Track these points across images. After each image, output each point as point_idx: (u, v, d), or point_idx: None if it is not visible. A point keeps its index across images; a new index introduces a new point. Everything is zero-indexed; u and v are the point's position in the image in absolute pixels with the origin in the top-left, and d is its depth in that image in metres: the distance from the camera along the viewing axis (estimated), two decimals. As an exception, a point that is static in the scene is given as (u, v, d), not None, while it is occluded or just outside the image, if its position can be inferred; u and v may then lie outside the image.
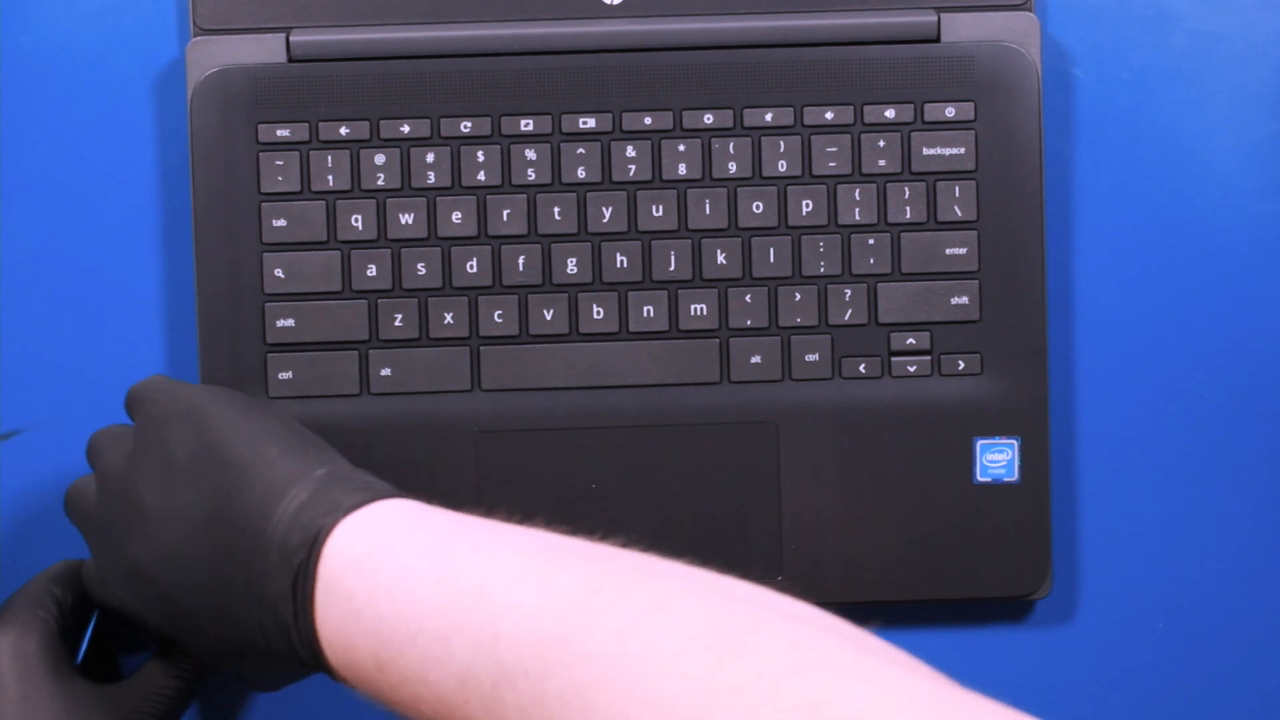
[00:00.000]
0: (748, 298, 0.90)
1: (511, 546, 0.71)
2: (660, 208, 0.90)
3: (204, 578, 0.76)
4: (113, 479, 0.80)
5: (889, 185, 0.90)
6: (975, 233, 0.90)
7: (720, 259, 0.90)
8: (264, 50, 0.90)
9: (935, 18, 0.90)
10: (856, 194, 0.90)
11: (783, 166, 0.90)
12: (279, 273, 0.89)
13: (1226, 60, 0.92)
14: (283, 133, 0.89)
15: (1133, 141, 0.92)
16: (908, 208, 0.90)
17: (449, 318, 0.90)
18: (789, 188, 0.90)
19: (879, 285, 0.90)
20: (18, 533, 0.91)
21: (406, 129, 0.89)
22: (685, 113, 0.90)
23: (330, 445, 0.81)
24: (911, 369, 0.90)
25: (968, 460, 0.90)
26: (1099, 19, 0.92)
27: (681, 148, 0.90)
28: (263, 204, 0.89)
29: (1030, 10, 0.90)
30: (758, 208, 0.90)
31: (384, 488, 0.77)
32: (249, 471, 0.76)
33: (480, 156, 0.90)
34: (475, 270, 0.90)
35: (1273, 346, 0.92)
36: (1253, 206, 0.92)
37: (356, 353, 0.90)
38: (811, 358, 0.90)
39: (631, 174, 0.90)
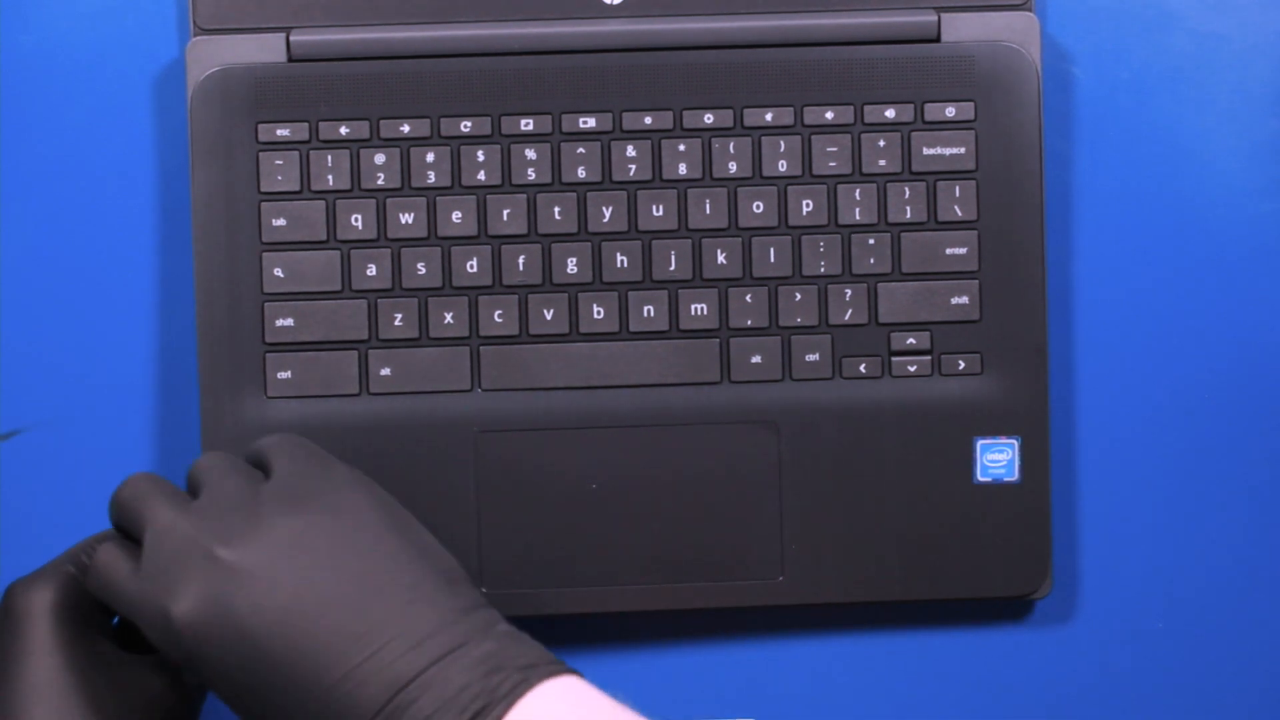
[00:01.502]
0: (748, 298, 0.90)
1: None
2: (660, 207, 0.90)
3: (317, 661, 0.74)
4: (226, 500, 0.77)
5: (889, 185, 0.90)
6: (975, 233, 0.90)
7: (720, 259, 0.90)
8: (264, 50, 0.90)
9: (935, 18, 0.90)
10: (856, 194, 0.90)
11: (783, 166, 0.90)
12: (278, 272, 0.89)
13: (1226, 60, 0.92)
14: (283, 132, 0.89)
15: (1133, 141, 0.92)
16: (908, 208, 0.90)
17: (449, 317, 0.90)
18: (789, 188, 0.90)
19: (879, 285, 0.90)
20: (18, 533, 0.91)
21: (406, 129, 0.89)
22: (685, 112, 0.90)
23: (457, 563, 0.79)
24: (912, 369, 0.90)
25: (968, 460, 0.90)
26: (1099, 19, 0.92)
27: (681, 147, 0.90)
28: (262, 203, 0.89)
29: (1030, 10, 0.90)
30: (758, 207, 0.90)
31: (545, 663, 0.75)
32: (407, 593, 0.75)
33: (480, 156, 0.90)
34: (475, 270, 0.90)
35: (1273, 346, 0.92)
36: (1253, 206, 0.92)
37: (356, 352, 0.90)
38: (812, 358, 0.90)
39: (631, 174, 0.90)
